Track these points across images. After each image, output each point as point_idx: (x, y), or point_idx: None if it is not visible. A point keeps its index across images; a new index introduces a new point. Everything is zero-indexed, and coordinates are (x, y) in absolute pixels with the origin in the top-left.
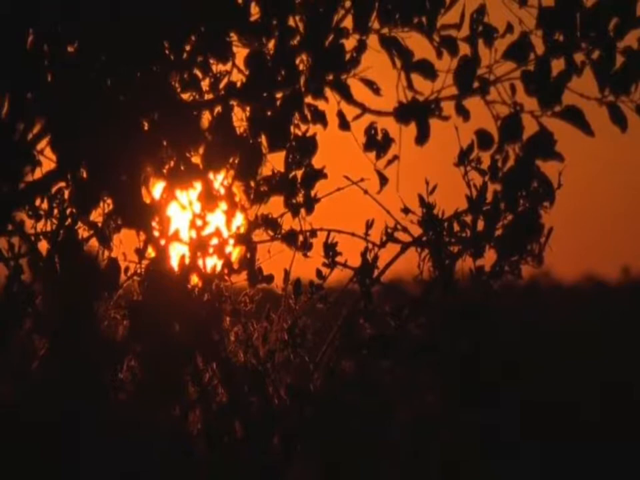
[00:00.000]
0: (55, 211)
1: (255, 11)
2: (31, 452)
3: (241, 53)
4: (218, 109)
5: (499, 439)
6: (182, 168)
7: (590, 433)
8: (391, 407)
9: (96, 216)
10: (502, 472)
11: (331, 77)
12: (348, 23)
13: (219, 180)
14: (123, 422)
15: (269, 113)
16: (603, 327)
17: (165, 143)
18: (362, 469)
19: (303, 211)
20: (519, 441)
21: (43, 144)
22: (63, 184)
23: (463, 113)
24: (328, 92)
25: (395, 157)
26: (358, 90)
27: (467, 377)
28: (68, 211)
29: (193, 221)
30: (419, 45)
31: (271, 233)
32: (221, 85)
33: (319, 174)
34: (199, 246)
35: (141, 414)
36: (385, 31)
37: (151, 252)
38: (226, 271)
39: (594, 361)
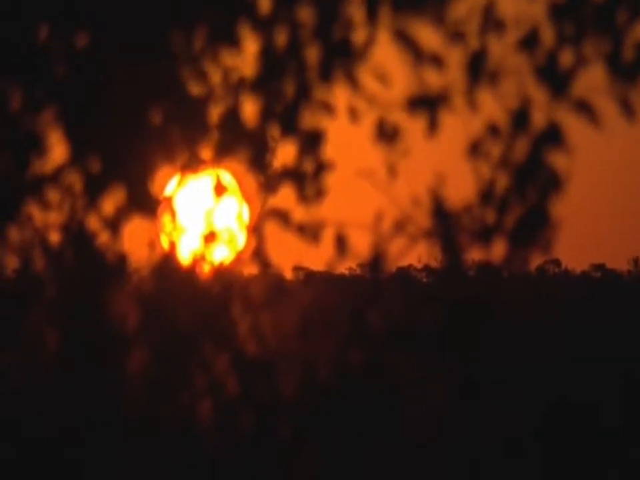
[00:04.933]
0: (66, 204)
1: (265, 3)
2: (37, 448)
3: (250, 46)
4: (228, 101)
5: (502, 433)
6: (192, 160)
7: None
8: (399, 399)
9: (107, 208)
10: (505, 467)
11: (340, 68)
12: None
13: (230, 172)
14: (132, 414)
15: (279, 103)
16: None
17: (175, 135)
18: (369, 460)
19: (313, 202)
20: (522, 435)
21: (53, 136)
22: (73, 176)
23: (473, 105)
24: (338, 85)
25: (405, 150)
26: (368, 83)
27: (471, 370)
28: (78, 203)
29: (204, 212)
30: (429, 36)
31: (282, 225)
32: (231, 78)
33: (329, 166)
34: (209, 237)
35: (150, 405)
36: (396, 23)
37: (163, 242)
38: (236, 262)
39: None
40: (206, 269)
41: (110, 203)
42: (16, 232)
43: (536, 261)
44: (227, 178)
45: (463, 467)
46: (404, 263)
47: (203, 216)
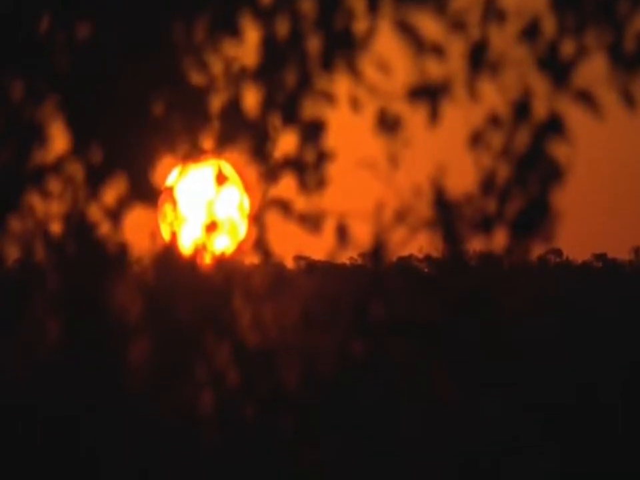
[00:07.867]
0: (67, 194)
1: None
2: (38, 437)
3: (252, 36)
4: (229, 91)
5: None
6: (194, 150)
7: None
8: (400, 390)
9: (108, 198)
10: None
11: (341, 58)
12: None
13: (231, 162)
14: (133, 404)
15: (280, 93)
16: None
17: (176, 125)
18: (371, 451)
19: (314, 192)
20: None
21: (54, 126)
22: (75, 166)
23: (474, 95)
24: (340, 75)
25: (406, 140)
26: (369, 73)
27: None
28: (80, 193)
29: (205, 202)
30: (430, 26)
31: (283, 214)
32: (232, 68)
33: (330, 156)
34: (210, 227)
35: (152, 395)
36: (398, 13)
37: (164, 232)
38: (237, 252)
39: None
40: (207, 258)
41: (111, 193)
42: (17, 222)
43: (537, 250)
44: (228, 168)
45: (462, 462)
46: (405, 252)
47: (204, 206)
